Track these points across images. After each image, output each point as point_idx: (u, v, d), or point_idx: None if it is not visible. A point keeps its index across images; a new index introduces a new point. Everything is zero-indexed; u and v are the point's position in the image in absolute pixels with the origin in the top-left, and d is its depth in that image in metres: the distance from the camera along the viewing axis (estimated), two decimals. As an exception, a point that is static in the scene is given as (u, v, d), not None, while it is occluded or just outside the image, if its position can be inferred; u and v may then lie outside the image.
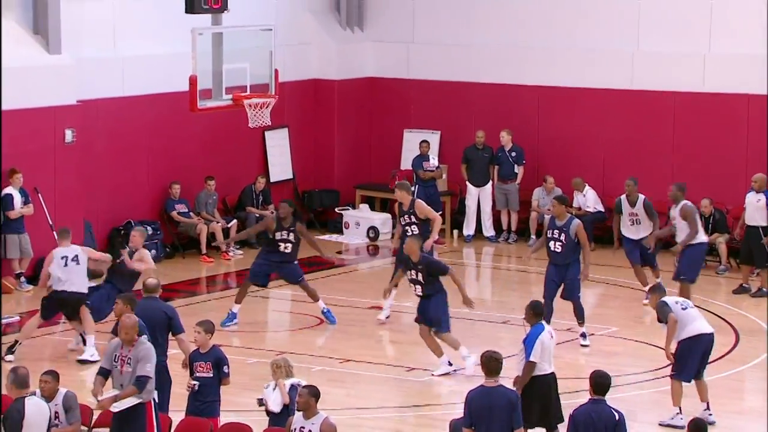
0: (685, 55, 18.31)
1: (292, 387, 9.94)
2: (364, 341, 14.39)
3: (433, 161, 19.03)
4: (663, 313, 11.55)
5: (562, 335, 14.33)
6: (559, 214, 13.91)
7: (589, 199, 18.75)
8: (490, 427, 8.94)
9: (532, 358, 10.38)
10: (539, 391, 10.39)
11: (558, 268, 13.88)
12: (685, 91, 18.35)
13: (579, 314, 14.03)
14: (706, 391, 11.73)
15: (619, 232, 15.78)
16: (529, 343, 10.47)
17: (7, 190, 16.03)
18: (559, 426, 10.43)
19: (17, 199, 16.07)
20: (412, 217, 14.59)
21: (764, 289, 16.34)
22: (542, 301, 13.09)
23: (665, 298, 11.66)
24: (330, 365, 13.49)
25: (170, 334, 11.04)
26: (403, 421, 12.04)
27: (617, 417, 8.87)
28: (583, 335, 14.12)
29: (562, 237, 13.82)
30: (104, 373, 9.73)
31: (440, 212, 19.19)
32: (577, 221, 14.00)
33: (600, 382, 8.97)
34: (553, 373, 10.55)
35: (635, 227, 15.62)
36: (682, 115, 18.45)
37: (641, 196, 15.63)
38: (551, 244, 13.91)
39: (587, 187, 18.79)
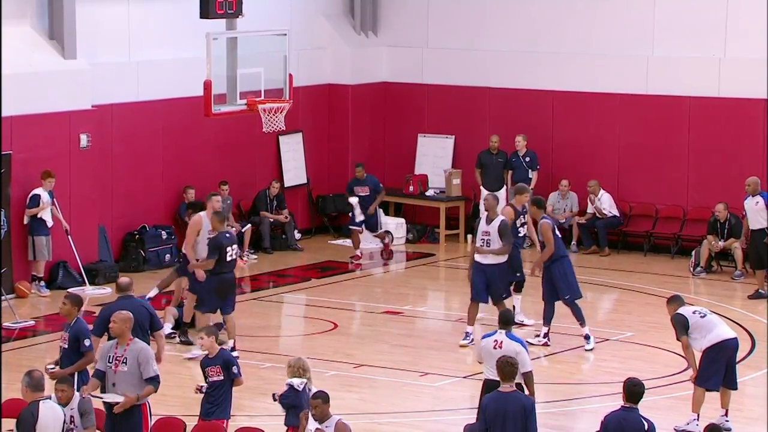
0: (700, 59, 18.21)
1: (291, 388, 9.97)
2: (377, 346, 14.35)
3: (357, 198, 17.96)
4: (678, 332, 11.51)
5: (577, 340, 14.34)
6: (533, 215, 14.19)
7: (603, 203, 18.69)
8: (504, 433, 8.92)
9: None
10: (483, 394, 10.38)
11: (544, 269, 14.02)
12: (700, 96, 18.24)
13: (576, 316, 14.03)
14: (728, 399, 11.66)
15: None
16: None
17: (37, 191, 16.04)
18: None
19: (45, 200, 16.08)
20: (526, 216, 14.69)
21: (761, 291, 16.30)
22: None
23: (681, 310, 11.54)
24: (344, 370, 13.45)
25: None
26: (416, 426, 12.00)
27: (647, 426, 8.87)
28: (587, 337, 14.11)
29: (538, 238, 14.18)
30: (100, 376, 9.75)
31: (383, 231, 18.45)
32: (543, 221, 14.01)
33: (633, 390, 8.96)
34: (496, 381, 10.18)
35: (485, 248, 13.84)
36: (697, 119, 18.36)
37: (501, 217, 13.89)
38: (538, 245, 14.29)
39: (602, 191, 18.74)
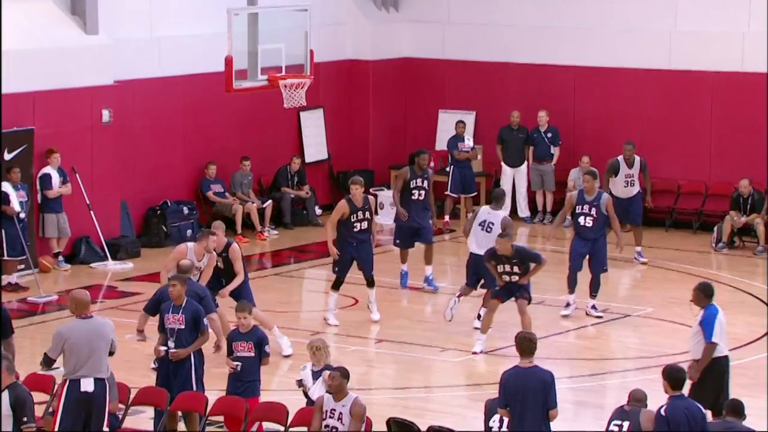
0: (724, 33, 18.06)
1: (326, 368, 9.96)
2: (399, 322, 14.35)
3: (468, 142, 18.95)
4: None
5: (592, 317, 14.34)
6: (590, 189, 14.11)
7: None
8: (524, 408, 8.90)
9: (714, 339, 10.02)
10: (718, 372, 10.06)
11: (586, 243, 14.09)
12: (723, 71, 18.10)
13: (595, 287, 14.26)
14: None
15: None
16: (707, 324, 10.04)
17: (46, 169, 16.14)
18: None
19: (55, 178, 16.18)
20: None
21: None
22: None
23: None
24: (365, 345, 13.47)
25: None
26: (438, 401, 12.01)
27: (703, 411, 8.70)
28: (594, 307, 14.31)
29: (593, 212, 14.05)
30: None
31: (475, 193, 19.18)
32: (606, 195, 14.35)
33: (679, 377, 8.65)
34: (727, 356, 10.20)
35: (628, 188, 16.68)
36: (720, 94, 18.22)
37: (638, 158, 16.65)
38: (581, 219, 14.12)
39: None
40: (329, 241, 13.90)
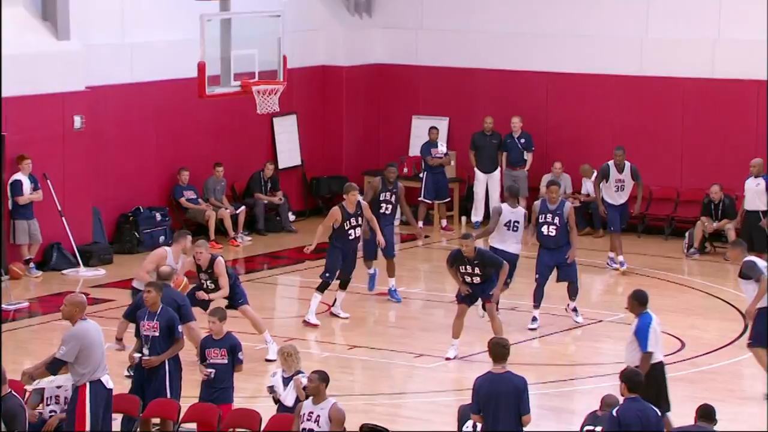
0: (695, 40, 18.24)
1: (296, 373, 10.00)
2: (371, 327, 14.44)
3: (442, 148, 19.01)
4: (753, 272, 11.57)
5: (565, 321, 14.38)
6: (553, 199, 14.15)
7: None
8: (497, 413, 8.94)
9: (649, 348, 10.15)
10: (654, 379, 10.13)
11: (551, 252, 14.08)
12: (694, 77, 18.28)
13: (573, 292, 14.30)
14: None
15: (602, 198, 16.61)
16: (641, 334, 10.16)
17: (17, 176, 16.08)
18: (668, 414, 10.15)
19: (26, 185, 16.11)
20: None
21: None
22: (566, 286, 13.75)
23: (752, 258, 11.69)
24: (338, 351, 13.51)
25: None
26: (410, 407, 12.06)
27: (658, 413, 8.76)
28: (575, 309, 14.36)
29: (556, 220, 14.06)
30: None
31: (448, 199, 19.24)
32: (568, 204, 14.37)
33: (636, 380, 8.72)
34: (662, 362, 10.35)
35: (619, 193, 16.49)
36: (691, 101, 18.40)
37: (628, 163, 16.49)
38: (544, 228, 14.11)
39: (595, 174, 18.75)
40: (314, 242, 14.06)
